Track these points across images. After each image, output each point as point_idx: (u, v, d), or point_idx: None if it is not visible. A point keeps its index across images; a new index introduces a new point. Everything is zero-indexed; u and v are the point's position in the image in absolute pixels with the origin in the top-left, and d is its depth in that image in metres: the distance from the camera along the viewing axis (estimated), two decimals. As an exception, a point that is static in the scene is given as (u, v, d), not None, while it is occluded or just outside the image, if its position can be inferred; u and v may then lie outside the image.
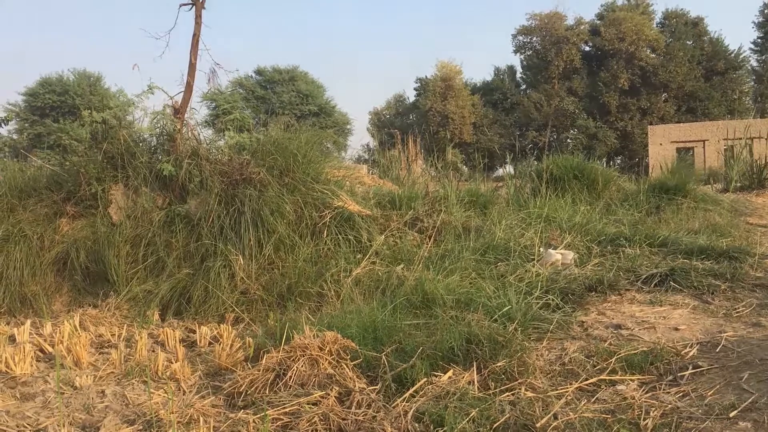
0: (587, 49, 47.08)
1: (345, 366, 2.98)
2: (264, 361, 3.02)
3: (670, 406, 2.65)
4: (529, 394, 2.84)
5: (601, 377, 2.98)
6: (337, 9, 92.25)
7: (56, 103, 37.57)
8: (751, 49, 47.77)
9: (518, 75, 51.35)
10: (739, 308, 3.98)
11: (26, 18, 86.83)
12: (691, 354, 3.21)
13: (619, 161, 44.19)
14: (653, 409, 2.63)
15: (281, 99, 40.57)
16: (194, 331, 4.25)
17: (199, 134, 5.99)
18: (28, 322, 4.33)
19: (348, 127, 44.39)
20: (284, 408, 2.73)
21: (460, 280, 4.49)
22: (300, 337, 3.10)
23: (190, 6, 6.08)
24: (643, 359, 3.13)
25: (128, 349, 3.81)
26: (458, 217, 6.09)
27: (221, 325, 4.26)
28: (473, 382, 2.94)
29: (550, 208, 6.68)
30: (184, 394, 3.14)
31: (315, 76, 44.08)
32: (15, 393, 3.20)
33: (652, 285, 4.56)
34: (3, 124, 8.85)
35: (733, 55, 45.73)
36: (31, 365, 3.54)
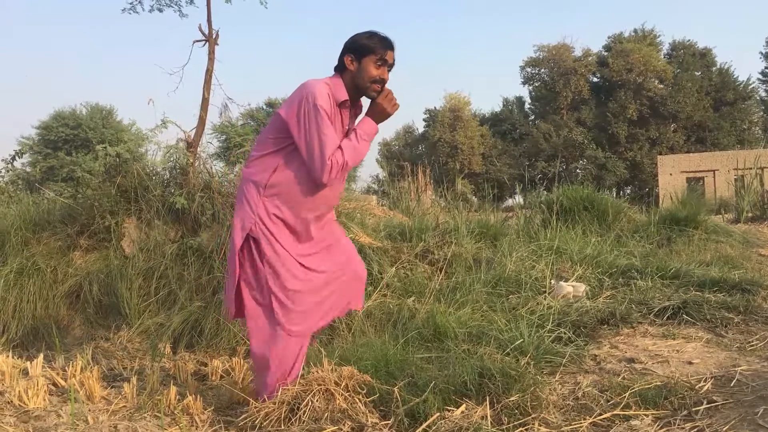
0: (595, 80, 47.42)
1: (358, 401, 2.97)
2: (279, 394, 3.02)
3: (685, 441, 2.63)
4: (543, 429, 2.82)
5: (615, 412, 2.96)
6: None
7: (69, 137, 38.05)
8: (759, 79, 47.92)
9: (527, 106, 51.68)
10: (752, 341, 3.96)
11: (39, 52, 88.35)
12: (705, 388, 3.18)
13: (628, 191, 44.23)
14: (668, 444, 2.60)
15: (291, 131, 40.91)
16: (206, 364, 4.25)
17: (211, 167, 6.06)
18: (41, 355, 4.34)
19: (358, 158, 44.53)
20: (297, 443, 2.72)
21: (471, 313, 4.48)
22: (318, 370, 3.09)
23: (204, 42, 6.19)
24: (657, 394, 3.10)
25: (140, 383, 3.81)
26: (469, 249, 6.10)
27: (233, 358, 4.25)
28: (486, 416, 2.92)
29: (560, 240, 6.68)
30: (197, 429, 3.14)
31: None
32: (28, 427, 3.20)
33: (665, 318, 4.54)
34: (18, 157, 8.98)
35: (741, 85, 45.86)
36: (44, 399, 3.54)
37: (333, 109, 2.95)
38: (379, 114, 3.04)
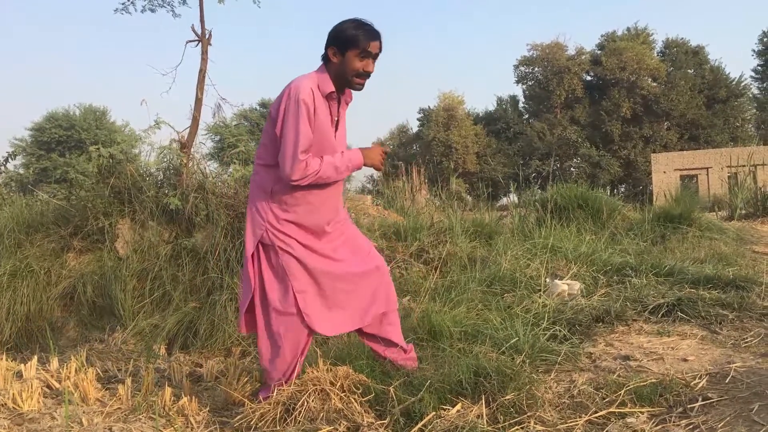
0: (589, 78, 47.50)
1: (353, 400, 2.97)
2: (275, 394, 3.01)
3: (680, 438, 2.63)
4: (539, 427, 2.82)
5: (611, 410, 2.96)
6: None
7: (62, 138, 38.02)
8: (751, 76, 48.05)
9: (521, 104, 51.72)
10: (747, 338, 3.96)
11: (32, 53, 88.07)
12: (700, 385, 3.19)
13: (623, 189, 44.34)
14: (664, 442, 2.60)
15: (285, 131, 40.90)
16: (201, 365, 4.24)
17: (205, 168, 6.05)
18: (35, 357, 4.33)
19: (352, 158, 44.49)
20: (293, 443, 2.71)
21: (466, 312, 4.48)
22: (313, 370, 3.09)
23: (197, 43, 6.18)
24: (652, 391, 3.10)
25: (135, 384, 3.79)
26: (464, 248, 6.10)
27: (228, 359, 4.25)
28: (482, 415, 2.92)
29: (555, 238, 6.69)
30: (192, 430, 3.13)
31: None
32: (22, 430, 3.19)
33: (660, 315, 4.54)
34: (11, 159, 8.95)
35: (734, 83, 46.01)
36: (39, 402, 3.52)
37: (319, 102, 2.91)
38: (369, 160, 3.08)
